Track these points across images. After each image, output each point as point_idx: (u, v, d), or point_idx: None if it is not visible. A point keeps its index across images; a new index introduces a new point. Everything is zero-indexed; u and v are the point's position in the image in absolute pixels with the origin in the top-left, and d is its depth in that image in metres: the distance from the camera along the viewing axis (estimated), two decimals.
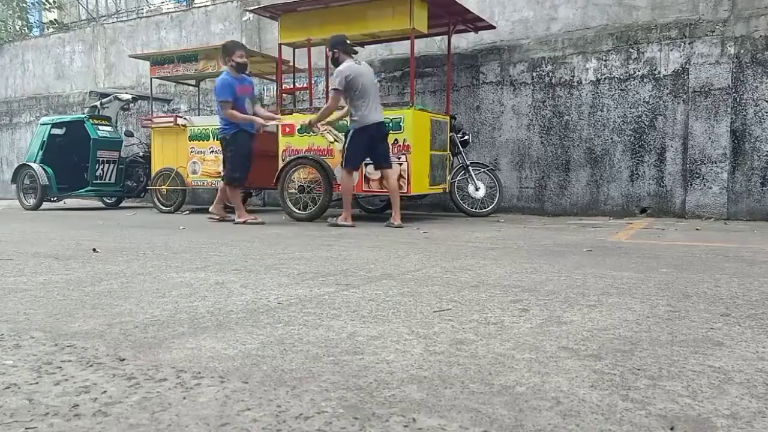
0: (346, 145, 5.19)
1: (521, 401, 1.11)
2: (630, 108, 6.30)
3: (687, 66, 6.02)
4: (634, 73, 6.27)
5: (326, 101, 5.35)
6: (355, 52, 5.39)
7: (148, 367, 1.30)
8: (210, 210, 6.11)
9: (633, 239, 4.17)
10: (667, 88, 6.14)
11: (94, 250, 3.43)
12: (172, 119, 7.42)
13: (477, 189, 6.36)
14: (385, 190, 5.72)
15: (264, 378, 1.23)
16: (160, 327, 1.67)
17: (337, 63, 5.17)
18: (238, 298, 2.06)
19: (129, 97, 8.63)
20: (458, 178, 6.41)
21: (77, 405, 1.09)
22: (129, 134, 8.72)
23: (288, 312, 1.85)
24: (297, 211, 5.92)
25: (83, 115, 8.44)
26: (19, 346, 1.47)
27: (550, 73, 6.68)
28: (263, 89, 8.76)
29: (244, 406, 1.08)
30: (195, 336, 1.57)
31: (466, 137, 6.50)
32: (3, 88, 12.28)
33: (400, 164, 5.52)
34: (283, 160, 6.11)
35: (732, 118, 5.86)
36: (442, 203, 7.04)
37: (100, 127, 8.25)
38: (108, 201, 9.13)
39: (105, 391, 1.16)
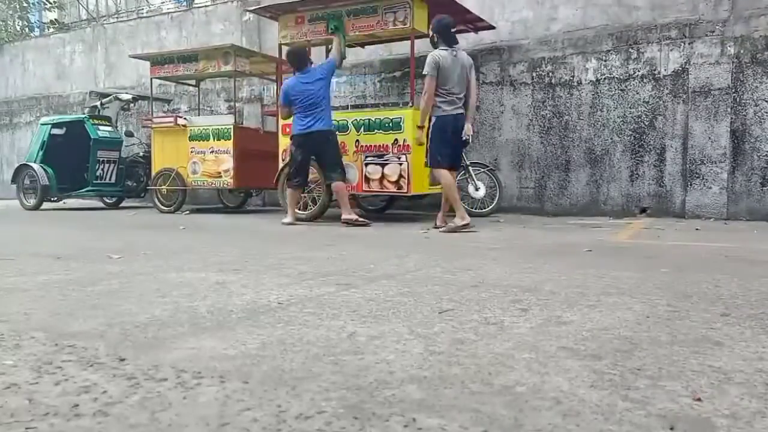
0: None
1: (521, 401, 1.11)
2: (630, 108, 6.30)
3: (687, 66, 6.02)
4: (634, 73, 6.27)
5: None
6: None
7: (148, 367, 1.30)
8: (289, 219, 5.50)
9: (633, 239, 4.17)
10: (667, 88, 6.14)
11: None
12: (172, 119, 7.42)
13: (477, 189, 6.35)
14: (385, 190, 5.73)
15: (264, 378, 1.23)
16: (161, 327, 1.67)
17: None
18: (238, 298, 2.06)
19: (129, 97, 8.63)
20: (458, 178, 6.40)
21: (77, 405, 1.09)
22: (129, 134, 8.72)
23: (288, 312, 1.85)
24: (297, 211, 5.92)
25: (83, 116, 8.44)
26: (19, 346, 1.47)
27: (550, 73, 6.68)
28: (263, 89, 8.76)
29: (244, 406, 1.08)
30: (195, 336, 1.57)
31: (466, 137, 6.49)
32: (3, 88, 12.28)
33: (400, 164, 5.52)
34: (283, 160, 6.10)
35: (732, 118, 5.86)
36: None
37: (101, 127, 8.25)
38: (108, 201, 9.13)
39: (105, 391, 1.16)
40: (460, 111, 4.81)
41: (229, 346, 1.48)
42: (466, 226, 4.64)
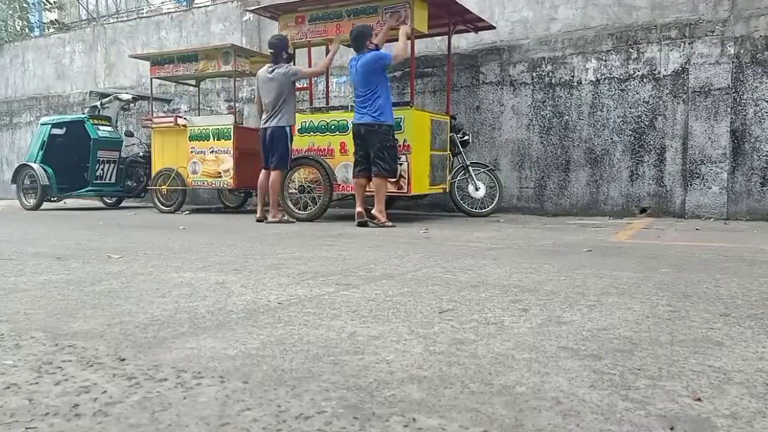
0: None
1: (521, 401, 1.11)
2: (630, 108, 6.30)
3: (687, 66, 6.02)
4: (634, 73, 6.27)
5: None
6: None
7: (148, 367, 1.30)
8: (374, 218, 5.14)
9: (633, 239, 4.17)
10: (667, 88, 6.14)
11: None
12: (172, 119, 7.42)
13: (477, 189, 6.35)
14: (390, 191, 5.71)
15: (264, 378, 1.23)
16: (161, 327, 1.67)
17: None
18: (238, 298, 2.06)
19: (129, 97, 8.63)
20: (458, 178, 6.41)
21: (77, 405, 1.09)
22: (129, 134, 8.72)
23: (288, 312, 1.86)
24: (297, 211, 5.92)
25: (83, 115, 8.44)
26: (19, 346, 1.47)
27: (550, 73, 6.68)
28: None
29: (244, 406, 1.09)
30: (195, 336, 1.57)
31: (466, 137, 6.50)
32: (3, 88, 12.28)
33: (401, 164, 5.52)
34: None
35: (732, 118, 5.86)
36: (442, 203, 7.04)
37: (101, 127, 8.25)
38: (108, 201, 9.13)
39: (105, 391, 1.16)
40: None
41: (229, 346, 1.48)
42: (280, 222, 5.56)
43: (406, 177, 5.54)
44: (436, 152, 5.99)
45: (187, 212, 7.42)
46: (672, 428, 0.99)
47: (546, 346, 1.47)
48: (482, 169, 6.49)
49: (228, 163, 6.98)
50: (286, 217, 5.75)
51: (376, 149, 5.08)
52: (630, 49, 6.28)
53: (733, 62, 5.83)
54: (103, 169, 8.21)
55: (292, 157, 5.96)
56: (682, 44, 6.04)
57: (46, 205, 8.40)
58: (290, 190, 5.98)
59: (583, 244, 3.77)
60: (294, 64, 6.03)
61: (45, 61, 11.64)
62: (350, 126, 5.79)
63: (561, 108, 6.64)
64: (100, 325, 1.68)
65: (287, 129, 5.73)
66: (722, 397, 1.13)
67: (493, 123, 7.02)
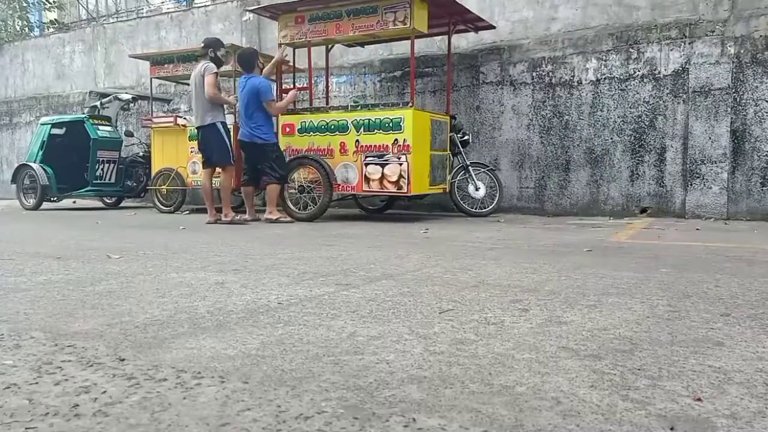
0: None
1: (521, 401, 1.11)
2: (630, 108, 6.30)
3: (687, 66, 6.02)
4: (634, 73, 6.27)
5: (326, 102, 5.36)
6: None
7: (148, 367, 1.30)
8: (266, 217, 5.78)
9: (633, 239, 4.17)
10: (667, 88, 6.13)
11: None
12: (172, 119, 7.42)
13: (477, 189, 6.35)
14: (385, 190, 5.71)
15: (264, 378, 1.23)
16: (160, 327, 1.67)
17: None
18: (238, 298, 2.06)
19: (129, 97, 8.63)
20: (458, 178, 6.40)
21: (77, 405, 1.09)
22: (129, 134, 8.72)
23: (288, 312, 1.85)
24: (297, 211, 5.92)
25: (83, 115, 8.44)
26: (19, 346, 1.47)
27: (550, 73, 6.68)
28: None
29: (244, 406, 1.08)
30: (195, 336, 1.57)
31: (466, 137, 6.50)
32: (3, 88, 12.28)
33: (400, 164, 5.52)
34: None
35: (732, 118, 5.85)
36: (442, 203, 7.04)
37: (100, 127, 8.25)
38: (108, 201, 9.12)
39: (105, 391, 1.16)
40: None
41: (229, 346, 1.48)
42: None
43: (406, 177, 5.54)
44: (436, 152, 5.99)
45: (187, 212, 7.42)
46: (672, 428, 0.99)
47: (546, 346, 1.47)
48: (482, 169, 6.49)
49: None
50: (238, 217, 5.77)
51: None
52: (630, 49, 6.28)
53: (733, 62, 5.83)
54: (102, 169, 8.21)
55: (292, 156, 5.97)
56: (683, 44, 6.04)
57: (45, 205, 8.40)
58: (290, 190, 5.98)
59: (584, 244, 3.76)
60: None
61: (45, 61, 11.63)
62: (350, 126, 5.80)
63: (561, 108, 6.64)
64: (99, 325, 1.68)
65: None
66: (722, 397, 1.13)
67: (493, 123, 7.02)
